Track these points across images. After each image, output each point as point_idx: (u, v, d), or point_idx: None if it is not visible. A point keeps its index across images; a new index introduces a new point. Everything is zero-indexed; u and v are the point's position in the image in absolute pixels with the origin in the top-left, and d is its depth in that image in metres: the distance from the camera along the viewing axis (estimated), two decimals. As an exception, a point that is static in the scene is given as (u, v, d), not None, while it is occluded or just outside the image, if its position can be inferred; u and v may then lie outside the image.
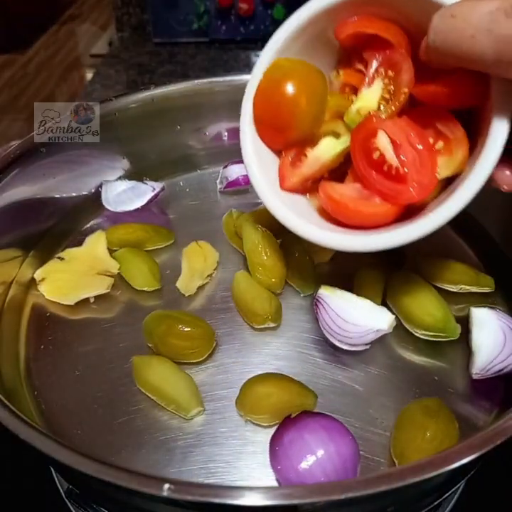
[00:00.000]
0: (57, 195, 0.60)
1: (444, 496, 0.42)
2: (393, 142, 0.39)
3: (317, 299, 0.46)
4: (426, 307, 0.48)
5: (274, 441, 0.39)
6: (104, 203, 0.62)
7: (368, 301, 0.45)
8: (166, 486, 0.29)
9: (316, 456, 0.37)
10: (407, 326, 0.48)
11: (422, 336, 0.48)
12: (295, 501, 0.29)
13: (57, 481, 0.48)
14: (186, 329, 0.46)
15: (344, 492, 0.29)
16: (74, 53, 2.67)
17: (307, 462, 0.36)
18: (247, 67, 1.14)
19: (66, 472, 0.42)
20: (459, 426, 0.41)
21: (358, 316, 0.44)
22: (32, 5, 2.70)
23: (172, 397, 0.43)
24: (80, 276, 0.54)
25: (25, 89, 2.40)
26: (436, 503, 0.42)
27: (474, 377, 0.44)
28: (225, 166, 0.65)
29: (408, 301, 0.48)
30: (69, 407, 0.44)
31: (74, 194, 0.62)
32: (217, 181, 0.66)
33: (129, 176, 0.66)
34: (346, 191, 0.42)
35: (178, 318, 0.47)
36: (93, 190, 0.64)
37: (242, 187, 0.64)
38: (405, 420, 0.41)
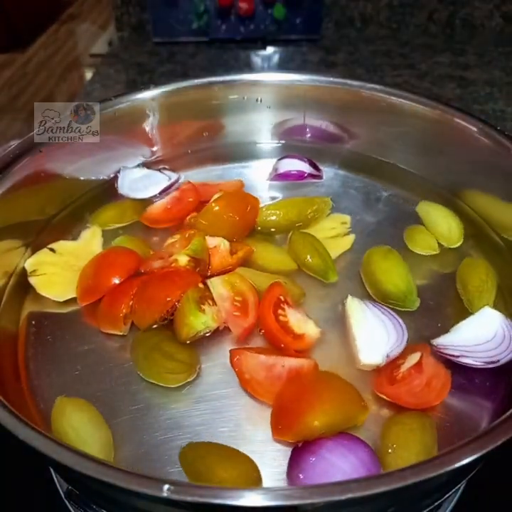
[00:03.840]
0: (82, 178, 0.63)
1: (446, 496, 0.42)
2: None
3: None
4: (392, 277, 0.51)
5: (293, 469, 0.38)
6: (119, 189, 0.64)
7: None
8: (166, 486, 0.29)
9: (342, 472, 0.36)
10: (370, 292, 0.51)
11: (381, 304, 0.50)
12: (295, 502, 0.29)
13: (56, 482, 0.48)
14: (172, 349, 0.45)
15: (344, 493, 0.29)
16: (73, 53, 2.67)
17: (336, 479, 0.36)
18: (248, 66, 1.14)
19: (66, 473, 0.42)
20: (460, 425, 0.41)
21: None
22: (32, 4, 2.70)
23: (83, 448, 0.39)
24: (73, 272, 0.53)
25: (25, 88, 2.40)
26: (437, 503, 0.42)
27: (433, 348, 0.45)
28: (280, 159, 0.67)
29: (378, 269, 0.52)
30: (68, 407, 0.44)
31: (93, 178, 0.65)
32: (269, 172, 0.68)
33: (151, 164, 0.68)
34: None
35: (168, 337, 0.47)
36: (109, 177, 0.66)
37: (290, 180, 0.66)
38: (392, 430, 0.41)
